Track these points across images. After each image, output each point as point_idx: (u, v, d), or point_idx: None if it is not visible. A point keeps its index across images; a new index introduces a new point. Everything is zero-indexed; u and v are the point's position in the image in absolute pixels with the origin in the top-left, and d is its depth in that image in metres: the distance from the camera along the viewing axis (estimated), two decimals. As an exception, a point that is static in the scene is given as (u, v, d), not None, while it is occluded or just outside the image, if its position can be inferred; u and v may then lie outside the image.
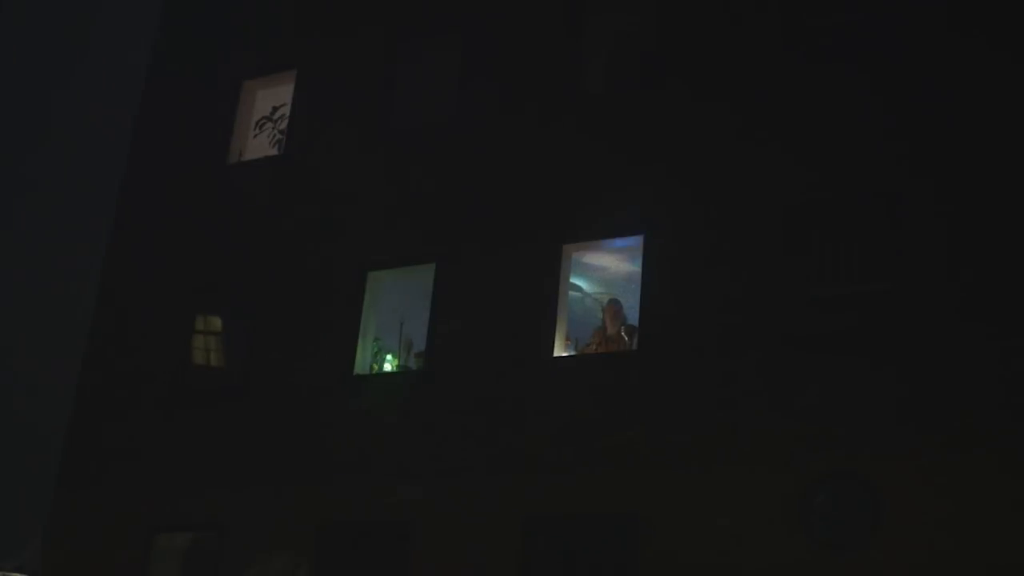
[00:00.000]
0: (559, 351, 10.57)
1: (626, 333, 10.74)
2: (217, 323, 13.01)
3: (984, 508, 8.08)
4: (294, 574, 10.69)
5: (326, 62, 13.18)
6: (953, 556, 8.04)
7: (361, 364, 11.54)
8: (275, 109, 13.66)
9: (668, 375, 9.84)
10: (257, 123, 13.76)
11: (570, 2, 11.90)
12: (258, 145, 13.65)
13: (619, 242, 10.96)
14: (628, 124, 11.06)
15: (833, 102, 10.03)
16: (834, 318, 9.35)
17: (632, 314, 10.55)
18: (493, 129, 11.84)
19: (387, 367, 11.73)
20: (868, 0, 10.21)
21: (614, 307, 10.93)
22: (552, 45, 11.78)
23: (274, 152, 13.41)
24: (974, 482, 8.19)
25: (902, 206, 9.36)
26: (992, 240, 9.07)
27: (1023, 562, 7.81)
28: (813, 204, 9.83)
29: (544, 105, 11.54)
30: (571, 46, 11.68)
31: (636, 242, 10.57)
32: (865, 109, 9.86)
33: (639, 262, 10.46)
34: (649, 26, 11.33)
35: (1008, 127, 9.20)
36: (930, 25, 9.86)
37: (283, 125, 13.40)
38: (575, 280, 11.36)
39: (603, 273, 11.62)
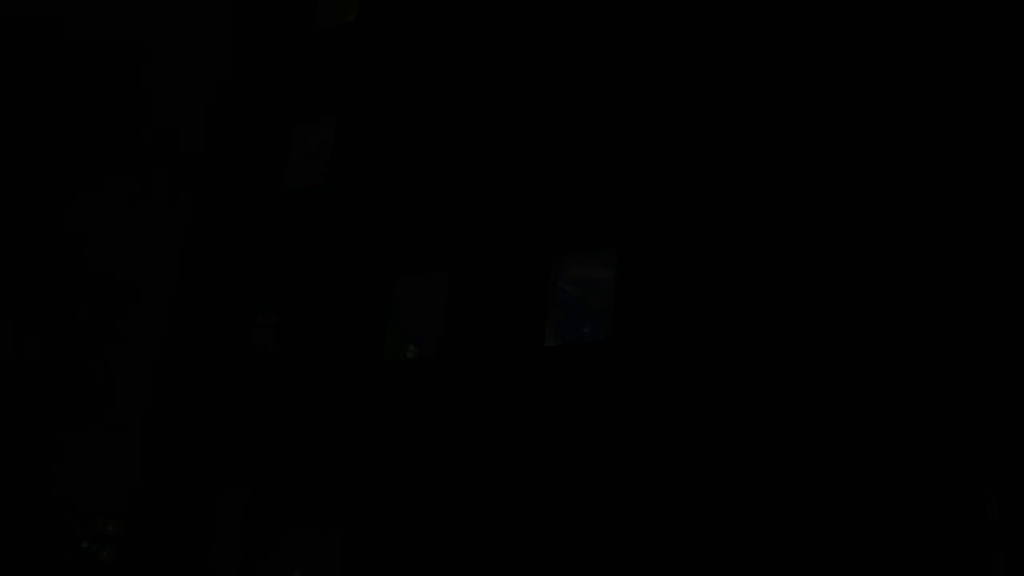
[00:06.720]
0: (549, 342, 10.98)
1: None
2: (273, 319, 13.51)
3: None
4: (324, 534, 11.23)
5: (361, 109, 13.95)
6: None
7: (388, 352, 12.19)
8: (320, 146, 14.56)
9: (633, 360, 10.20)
10: (305, 158, 14.68)
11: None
12: (306, 176, 14.54)
13: (596, 253, 11.15)
14: (601, 162, 11.32)
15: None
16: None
17: (607, 311, 11.12)
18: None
19: (409, 355, 12.40)
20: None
21: None
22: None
23: (319, 181, 14.35)
24: None
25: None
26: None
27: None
28: (747, 226, 10.01)
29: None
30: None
31: (611, 254, 11.01)
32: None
33: (613, 269, 11.09)
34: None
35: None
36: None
37: (326, 160, 14.34)
38: (561, 284, 12.02)
39: (583, 280, 12.10)
